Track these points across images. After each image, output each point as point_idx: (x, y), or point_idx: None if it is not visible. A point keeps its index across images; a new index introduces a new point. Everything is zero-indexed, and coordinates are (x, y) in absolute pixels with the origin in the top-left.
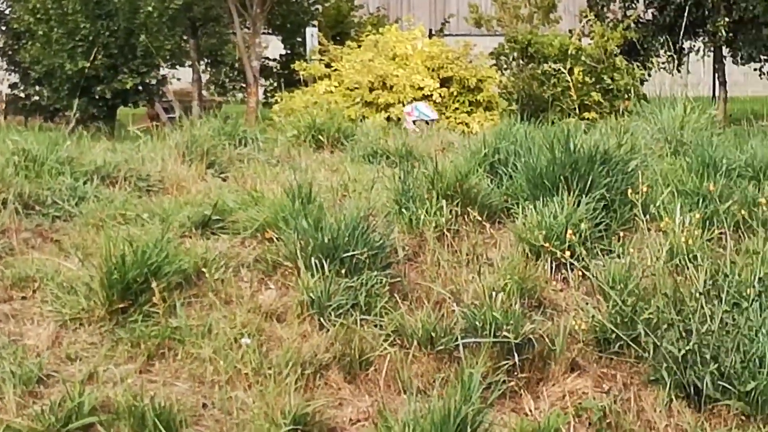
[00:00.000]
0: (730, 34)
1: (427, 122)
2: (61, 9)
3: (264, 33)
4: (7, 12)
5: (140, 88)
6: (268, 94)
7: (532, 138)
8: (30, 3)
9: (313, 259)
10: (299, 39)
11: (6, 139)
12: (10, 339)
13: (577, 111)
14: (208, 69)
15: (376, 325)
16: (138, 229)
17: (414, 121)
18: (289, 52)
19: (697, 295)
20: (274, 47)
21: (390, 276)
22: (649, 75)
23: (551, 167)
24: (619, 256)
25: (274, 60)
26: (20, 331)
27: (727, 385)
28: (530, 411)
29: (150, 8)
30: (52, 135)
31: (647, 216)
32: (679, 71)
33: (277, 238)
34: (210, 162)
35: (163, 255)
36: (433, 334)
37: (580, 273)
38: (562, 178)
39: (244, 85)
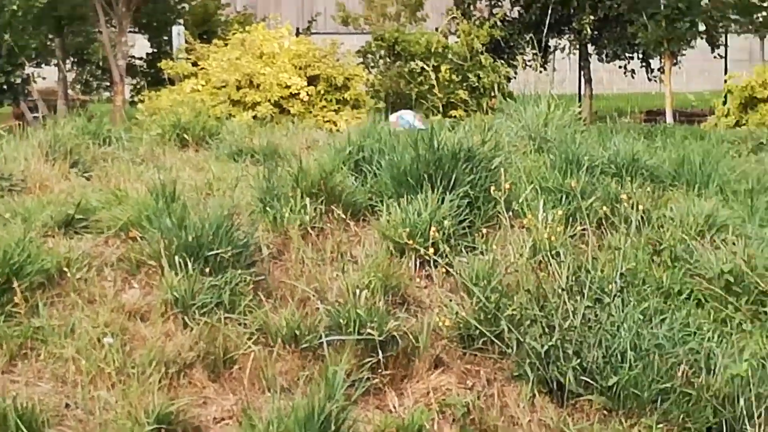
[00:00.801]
0: (596, 32)
1: None
2: None
3: (130, 31)
4: None
5: (5, 87)
6: (135, 93)
7: (397, 136)
8: None
9: (177, 257)
10: (166, 38)
11: None
12: None
13: (443, 109)
14: (74, 68)
15: (240, 324)
16: (0, 228)
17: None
18: (155, 50)
19: (560, 291)
20: (140, 46)
21: (254, 274)
22: (516, 73)
23: (415, 165)
24: (482, 253)
25: (141, 59)
26: None
27: (589, 380)
28: (394, 408)
29: (15, 7)
30: None
31: (510, 213)
32: (544, 69)
33: (141, 237)
34: (74, 161)
35: (26, 255)
36: (298, 332)
37: (444, 270)
38: (426, 175)
39: (110, 84)
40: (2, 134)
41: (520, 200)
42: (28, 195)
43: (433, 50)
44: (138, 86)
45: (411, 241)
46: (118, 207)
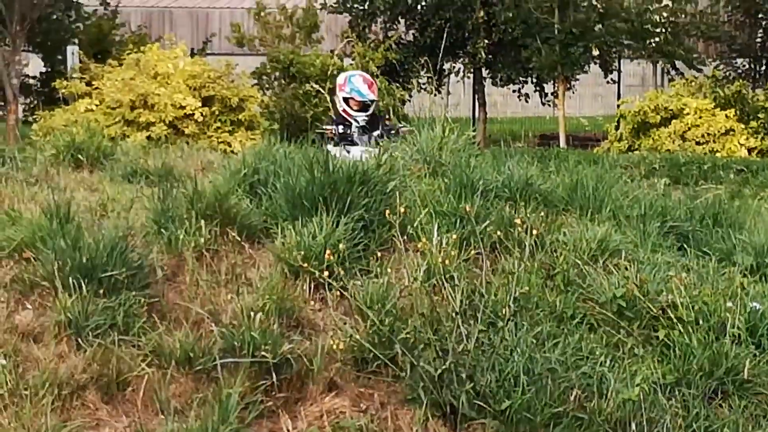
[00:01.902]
0: (490, 56)
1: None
2: None
3: (24, 50)
4: None
5: None
6: (28, 112)
7: (292, 158)
8: None
9: (71, 279)
10: (60, 57)
11: None
12: None
13: None
14: None
15: (134, 345)
16: None
17: (346, 100)
18: (49, 69)
19: (454, 314)
20: (34, 65)
21: (149, 296)
22: (410, 96)
23: (310, 187)
24: (377, 276)
25: (35, 78)
26: None
27: (482, 404)
28: (288, 430)
29: None
30: None
31: (405, 236)
32: (439, 92)
33: (34, 258)
34: None
35: None
36: (192, 354)
37: (339, 293)
38: (321, 198)
39: (3, 103)
40: None
41: (415, 224)
42: None
43: (328, 72)
44: (31, 105)
45: (306, 264)
46: (12, 228)
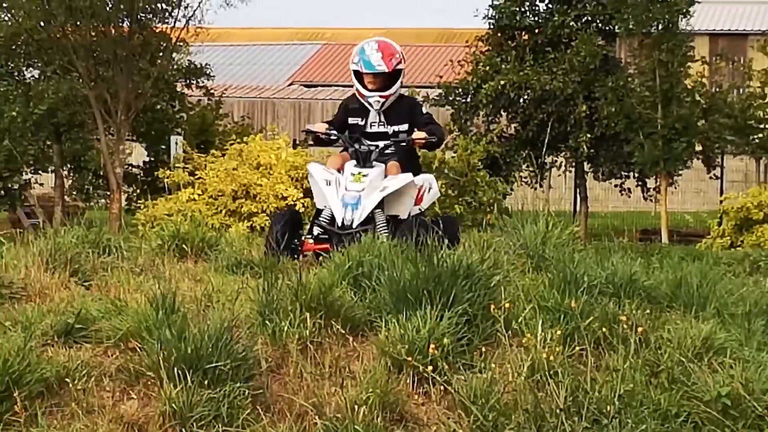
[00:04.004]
0: (592, 150)
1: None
2: None
3: (128, 139)
4: None
5: (2, 192)
6: (132, 201)
7: (396, 251)
8: None
9: (175, 369)
10: (163, 146)
11: None
12: None
13: None
14: (72, 174)
15: None
16: (0, 336)
17: (358, 76)
18: (152, 159)
19: (558, 411)
20: (137, 154)
21: (253, 388)
22: (512, 189)
23: (415, 281)
24: (480, 371)
25: (138, 167)
26: None
27: None
28: None
29: (14, 113)
30: None
31: (509, 331)
32: (541, 186)
33: (140, 348)
34: (73, 270)
35: (25, 363)
36: None
37: (442, 387)
38: (425, 292)
39: (107, 192)
40: (2, 241)
41: (519, 319)
42: (28, 303)
43: (430, 165)
44: (134, 194)
45: (410, 358)
46: (118, 317)
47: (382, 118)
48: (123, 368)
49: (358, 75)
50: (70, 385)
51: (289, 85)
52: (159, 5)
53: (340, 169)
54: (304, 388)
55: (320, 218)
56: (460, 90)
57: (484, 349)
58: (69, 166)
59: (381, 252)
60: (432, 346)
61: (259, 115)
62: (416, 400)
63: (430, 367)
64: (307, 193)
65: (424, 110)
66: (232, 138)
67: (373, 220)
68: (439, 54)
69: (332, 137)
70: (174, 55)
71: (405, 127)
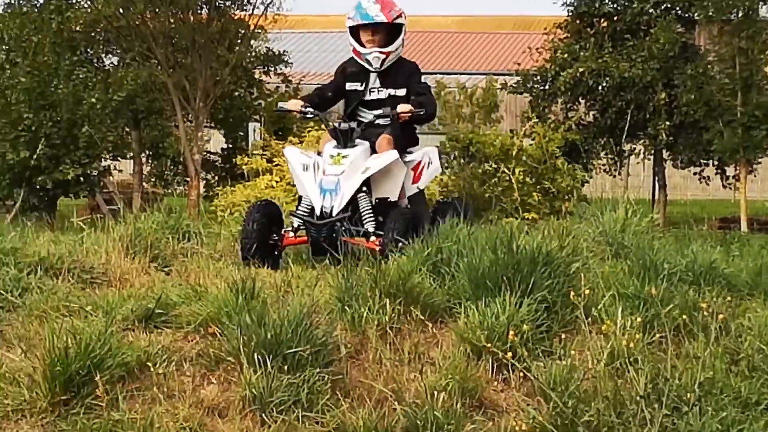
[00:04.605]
0: (671, 138)
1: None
2: (5, 99)
3: (206, 126)
4: None
5: (82, 179)
6: (210, 188)
7: (475, 238)
8: None
9: (255, 354)
10: (241, 133)
11: None
12: None
13: (516, 211)
14: (150, 161)
15: (317, 422)
16: (81, 321)
17: (354, 33)
18: (230, 146)
19: (638, 398)
20: (216, 141)
21: (332, 373)
22: (590, 177)
23: (494, 268)
24: (560, 358)
25: (216, 153)
26: None
27: None
28: None
29: (93, 100)
30: None
31: (589, 318)
32: (619, 174)
33: (220, 333)
34: (153, 255)
35: (106, 348)
36: None
37: (522, 374)
38: (504, 278)
39: (185, 178)
40: (83, 227)
41: (599, 306)
42: (108, 288)
43: (508, 152)
44: (212, 181)
45: (489, 344)
46: (198, 302)
47: (380, 83)
48: (203, 353)
49: (355, 32)
50: (151, 370)
51: None
52: None
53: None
54: (384, 374)
55: (299, 207)
56: (539, 77)
57: (563, 336)
58: (147, 152)
59: (460, 238)
60: (511, 332)
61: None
62: (495, 386)
63: (509, 354)
64: None
65: (422, 79)
66: (310, 125)
67: (356, 206)
68: (518, 41)
69: (308, 116)
70: (252, 42)
71: (402, 92)
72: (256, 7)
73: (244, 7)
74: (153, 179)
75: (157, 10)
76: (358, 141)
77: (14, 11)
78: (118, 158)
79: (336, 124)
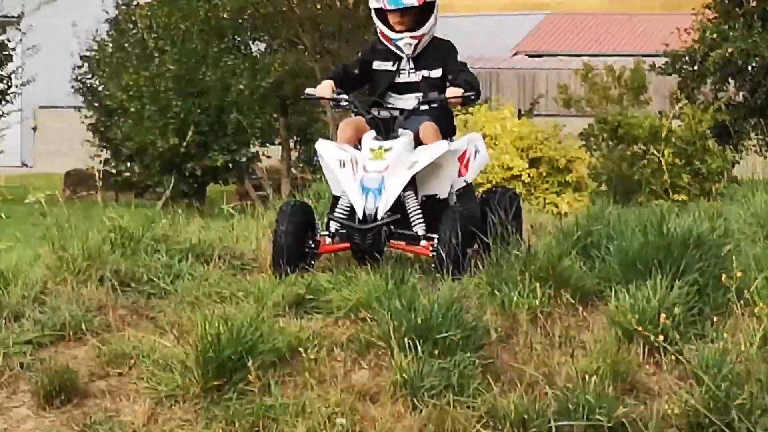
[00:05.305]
0: None
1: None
2: (154, 87)
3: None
4: (100, 89)
5: (230, 165)
6: None
7: (625, 221)
8: (123, 80)
9: (406, 339)
10: None
11: (103, 217)
12: (107, 415)
13: (665, 193)
14: (298, 147)
15: (468, 407)
16: (233, 307)
17: (380, 16)
18: None
19: None
20: None
21: (482, 357)
22: (741, 158)
23: (644, 250)
24: (712, 341)
25: None
26: (116, 408)
27: None
28: None
29: (241, 86)
30: (147, 212)
31: (741, 301)
32: None
33: (370, 318)
34: None
35: (258, 334)
36: (526, 417)
37: (673, 357)
38: (655, 261)
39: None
40: (233, 213)
41: (751, 288)
42: (259, 275)
43: (657, 134)
44: None
45: (640, 328)
46: (348, 288)
47: (412, 64)
48: (354, 338)
49: (381, 13)
50: (303, 355)
51: (513, 55)
52: None
53: (357, 144)
54: (534, 358)
55: (337, 209)
56: (687, 58)
57: (715, 319)
58: (295, 138)
59: (610, 221)
60: (663, 315)
61: (484, 85)
62: (647, 369)
63: (660, 337)
64: (533, 163)
65: (459, 57)
66: (458, 109)
67: (403, 206)
68: (666, 22)
69: (342, 102)
70: None
71: (438, 73)
72: None
73: None
74: (301, 165)
75: None
76: (400, 131)
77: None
78: (266, 144)
79: (375, 112)
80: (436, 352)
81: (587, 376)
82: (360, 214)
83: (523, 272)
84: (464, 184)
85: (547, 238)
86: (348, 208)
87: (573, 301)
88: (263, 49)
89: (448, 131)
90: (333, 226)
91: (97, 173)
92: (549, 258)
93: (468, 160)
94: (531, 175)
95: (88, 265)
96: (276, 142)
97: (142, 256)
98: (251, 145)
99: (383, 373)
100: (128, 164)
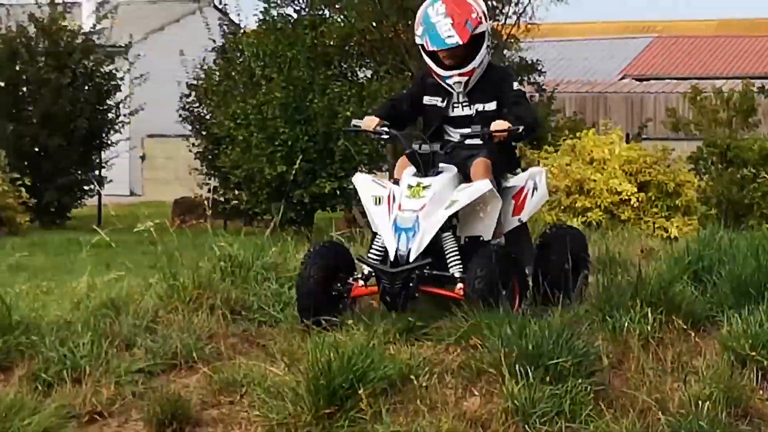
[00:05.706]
0: None
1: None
2: (261, 114)
3: None
4: (207, 117)
5: (338, 192)
6: None
7: (736, 245)
8: (230, 109)
9: (517, 366)
10: None
11: (212, 245)
12: None
13: None
14: None
15: None
16: (343, 335)
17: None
18: None
19: None
20: None
21: (594, 384)
22: None
23: (756, 275)
24: None
25: None
26: None
27: None
28: None
29: (348, 113)
30: (256, 240)
31: None
32: None
33: (481, 345)
34: None
35: (369, 361)
36: None
37: None
38: (767, 286)
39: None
40: (341, 240)
41: None
42: (369, 302)
43: (767, 157)
44: None
45: (753, 353)
46: (458, 315)
47: (466, 98)
48: (464, 365)
49: (425, 50)
50: (414, 382)
51: (621, 79)
52: (489, 2)
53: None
54: (647, 384)
55: (371, 249)
56: None
57: None
58: None
59: (721, 245)
60: None
61: (591, 109)
62: (761, 395)
63: None
64: (641, 187)
65: (515, 86)
66: (565, 133)
67: (440, 249)
68: None
69: (383, 135)
70: (505, 51)
71: (493, 105)
72: (509, 17)
73: (497, 18)
74: None
75: (409, 22)
76: (442, 166)
77: (269, 28)
78: (374, 171)
79: (416, 147)
80: (548, 378)
81: (700, 402)
82: (392, 256)
83: (634, 297)
84: (518, 223)
85: (657, 263)
86: (382, 249)
87: (685, 327)
88: (369, 76)
89: (507, 166)
90: (366, 268)
91: (206, 201)
92: (660, 283)
93: (525, 198)
94: (640, 199)
95: (198, 293)
96: (383, 169)
97: (252, 284)
98: (359, 172)
99: (494, 400)
100: (236, 192)
